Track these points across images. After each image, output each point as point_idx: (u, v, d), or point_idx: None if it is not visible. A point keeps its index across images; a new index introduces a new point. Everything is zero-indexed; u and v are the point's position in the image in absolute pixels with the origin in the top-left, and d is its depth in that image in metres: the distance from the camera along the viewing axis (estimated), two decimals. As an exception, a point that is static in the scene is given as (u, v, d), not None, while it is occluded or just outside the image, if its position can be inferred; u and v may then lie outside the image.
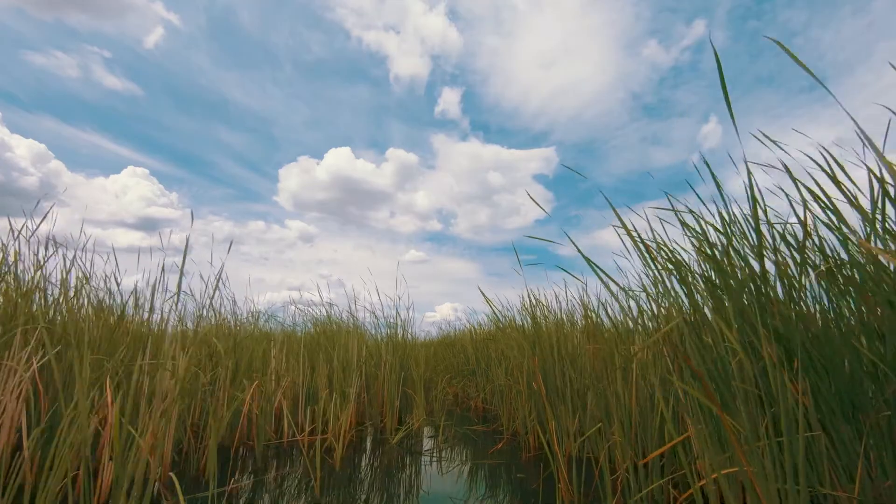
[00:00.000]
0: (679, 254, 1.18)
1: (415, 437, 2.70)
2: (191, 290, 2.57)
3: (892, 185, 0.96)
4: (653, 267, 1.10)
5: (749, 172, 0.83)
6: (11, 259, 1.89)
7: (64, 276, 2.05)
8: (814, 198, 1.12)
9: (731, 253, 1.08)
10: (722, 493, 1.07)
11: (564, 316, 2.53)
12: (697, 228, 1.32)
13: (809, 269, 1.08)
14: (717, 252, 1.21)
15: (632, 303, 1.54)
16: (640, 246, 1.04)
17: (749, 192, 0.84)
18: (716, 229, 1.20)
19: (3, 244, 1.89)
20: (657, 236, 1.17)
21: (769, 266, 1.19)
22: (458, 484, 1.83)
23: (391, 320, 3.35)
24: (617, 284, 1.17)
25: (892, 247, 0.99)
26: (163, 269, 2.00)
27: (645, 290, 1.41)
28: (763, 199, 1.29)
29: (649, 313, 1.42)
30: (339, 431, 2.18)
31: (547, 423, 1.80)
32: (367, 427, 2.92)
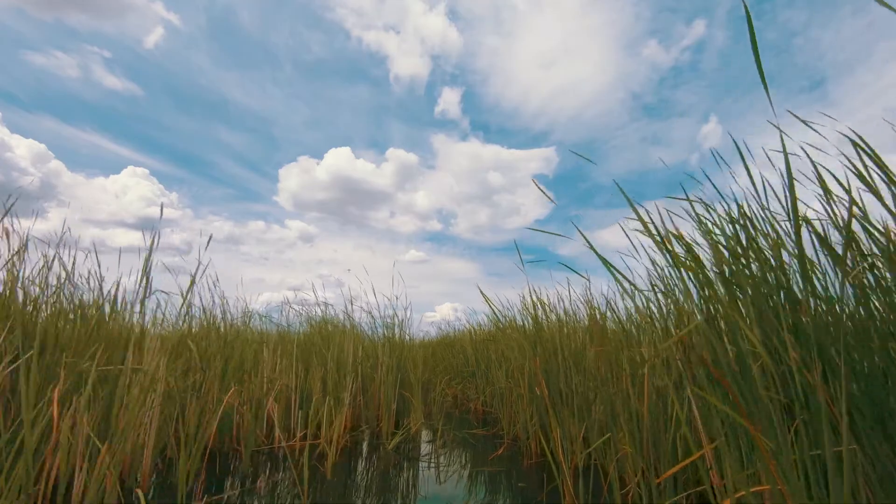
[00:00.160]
0: (696, 248, 1.08)
1: (412, 441, 2.60)
2: (181, 291, 2.48)
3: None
4: (669, 260, 1.00)
5: (786, 158, 0.74)
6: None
7: (43, 276, 1.95)
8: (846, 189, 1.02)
9: (753, 250, 0.99)
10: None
11: (566, 316, 2.44)
12: (712, 221, 1.23)
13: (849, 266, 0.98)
14: (737, 248, 1.11)
15: (639, 302, 1.44)
16: (657, 237, 0.95)
17: (788, 180, 0.74)
18: (734, 222, 1.10)
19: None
20: (675, 229, 1.07)
21: (788, 262, 1.10)
22: (457, 492, 1.74)
23: (388, 320, 3.26)
24: (629, 282, 1.08)
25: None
26: (147, 268, 1.90)
27: (654, 287, 1.32)
28: (784, 193, 1.20)
29: (660, 312, 1.32)
30: (332, 437, 2.08)
31: (550, 431, 1.70)
32: (363, 431, 2.82)
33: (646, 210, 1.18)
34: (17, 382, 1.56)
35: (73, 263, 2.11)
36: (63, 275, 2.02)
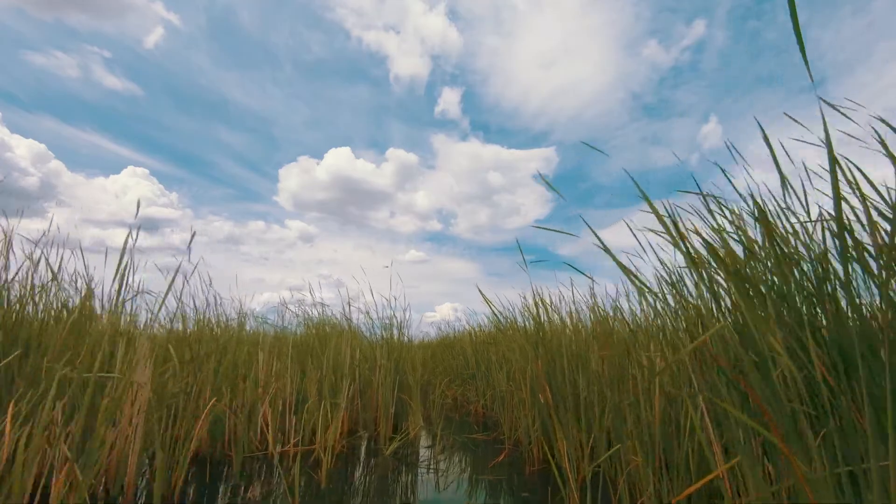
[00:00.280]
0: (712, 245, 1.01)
1: (410, 446, 2.53)
2: (175, 292, 2.40)
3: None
4: (688, 252, 0.93)
5: (830, 151, 0.66)
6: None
7: (26, 275, 1.88)
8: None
9: (782, 245, 0.92)
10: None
11: (570, 318, 2.36)
12: (729, 218, 1.15)
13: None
14: (755, 246, 1.04)
15: (650, 302, 1.37)
16: (673, 233, 0.87)
17: (832, 172, 0.66)
18: (755, 218, 1.03)
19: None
20: (692, 225, 1.00)
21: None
22: (458, 501, 1.67)
23: (386, 321, 3.19)
24: (640, 281, 1.01)
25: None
26: (131, 268, 1.83)
27: (673, 286, 1.24)
28: (803, 189, 1.12)
29: (673, 313, 1.25)
30: (327, 443, 2.01)
31: (555, 439, 1.63)
32: (361, 435, 2.75)
33: (663, 205, 1.11)
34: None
35: (60, 263, 2.04)
36: (49, 275, 1.96)
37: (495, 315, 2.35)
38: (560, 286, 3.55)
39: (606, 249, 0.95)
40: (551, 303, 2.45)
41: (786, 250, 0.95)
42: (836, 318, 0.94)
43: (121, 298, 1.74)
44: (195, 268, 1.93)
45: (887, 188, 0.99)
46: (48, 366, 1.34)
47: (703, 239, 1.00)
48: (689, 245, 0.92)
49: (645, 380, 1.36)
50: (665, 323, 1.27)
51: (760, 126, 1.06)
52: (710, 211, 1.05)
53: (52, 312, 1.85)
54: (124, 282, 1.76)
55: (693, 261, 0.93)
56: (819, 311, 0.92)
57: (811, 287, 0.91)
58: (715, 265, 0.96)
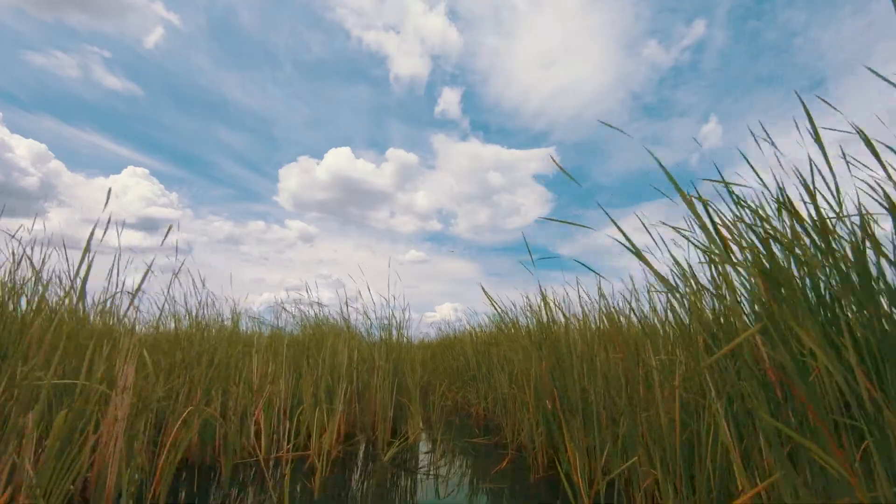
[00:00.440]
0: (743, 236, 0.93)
1: (409, 451, 2.43)
2: (170, 292, 2.31)
3: None
4: (725, 247, 0.84)
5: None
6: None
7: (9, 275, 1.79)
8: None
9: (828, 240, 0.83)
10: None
11: (576, 320, 2.28)
12: (752, 210, 1.07)
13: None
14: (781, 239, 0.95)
15: (669, 301, 1.28)
16: (707, 221, 0.79)
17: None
18: (781, 209, 0.95)
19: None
20: (720, 219, 0.91)
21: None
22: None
23: (385, 322, 3.10)
24: (661, 277, 0.92)
25: None
26: (116, 268, 1.74)
27: (700, 285, 1.15)
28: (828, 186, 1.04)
29: (689, 313, 1.17)
30: (322, 449, 1.92)
31: (562, 445, 1.54)
32: (358, 440, 2.66)
33: (681, 202, 1.03)
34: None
35: (43, 262, 1.95)
36: (30, 274, 1.86)
37: (499, 314, 2.26)
38: (565, 285, 3.47)
39: (632, 244, 0.86)
40: (555, 302, 2.37)
41: (836, 250, 0.86)
42: (877, 319, 0.86)
43: (105, 298, 1.65)
44: (181, 265, 1.84)
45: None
46: (23, 370, 1.25)
47: (740, 236, 0.91)
48: (721, 232, 0.84)
49: (664, 385, 1.27)
50: (688, 322, 1.18)
51: (795, 122, 0.98)
52: (737, 202, 0.97)
53: (31, 310, 1.75)
54: (110, 281, 1.67)
55: (728, 254, 0.85)
56: (861, 312, 0.83)
57: (857, 286, 0.82)
58: (750, 259, 0.87)
